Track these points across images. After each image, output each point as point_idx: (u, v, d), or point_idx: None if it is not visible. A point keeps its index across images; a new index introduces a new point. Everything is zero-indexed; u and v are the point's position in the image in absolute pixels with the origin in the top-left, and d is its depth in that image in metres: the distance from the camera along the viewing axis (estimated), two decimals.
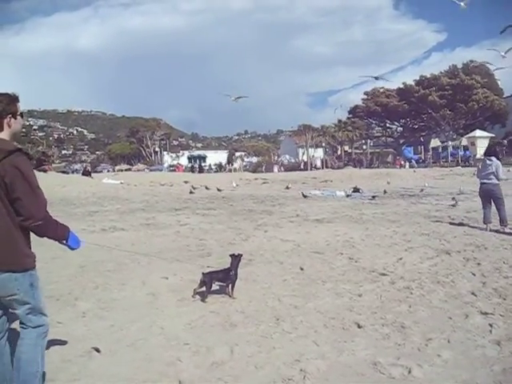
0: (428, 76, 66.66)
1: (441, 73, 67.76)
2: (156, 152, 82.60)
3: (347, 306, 5.91)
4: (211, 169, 66.91)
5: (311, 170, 51.47)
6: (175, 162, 72.14)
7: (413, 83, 67.48)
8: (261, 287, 6.70)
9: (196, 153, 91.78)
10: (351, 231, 11.22)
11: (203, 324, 5.30)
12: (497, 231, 11.01)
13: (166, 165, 70.35)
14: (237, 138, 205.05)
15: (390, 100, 67.91)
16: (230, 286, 6.25)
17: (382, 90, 70.70)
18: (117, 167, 63.68)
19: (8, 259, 3.33)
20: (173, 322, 5.36)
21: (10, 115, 3.45)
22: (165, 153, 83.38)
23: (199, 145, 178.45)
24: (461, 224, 12.35)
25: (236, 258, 6.35)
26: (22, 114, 3.59)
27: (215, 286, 6.30)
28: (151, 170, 57.92)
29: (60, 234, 3.58)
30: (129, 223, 12.44)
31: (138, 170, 58.21)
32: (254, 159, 67.98)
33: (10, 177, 3.25)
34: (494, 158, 11.46)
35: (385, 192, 23.36)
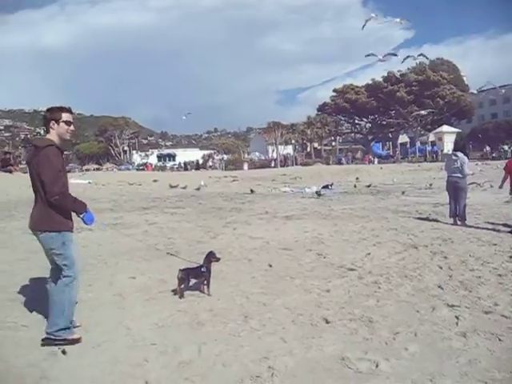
0: (396, 72, 67.39)
1: (408, 69, 68.57)
2: (125, 151, 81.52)
3: (315, 301, 5.91)
4: (181, 167, 66.49)
5: (281, 167, 51.56)
6: (144, 161, 71.43)
7: (381, 80, 68.11)
8: (229, 285, 6.66)
9: (166, 151, 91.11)
10: (320, 227, 11.24)
11: (171, 323, 5.23)
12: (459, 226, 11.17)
13: (135, 164, 69.61)
14: (207, 135, 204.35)
15: (359, 96, 68.42)
16: (206, 282, 6.22)
17: (351, 87, 71.25)
18: (85, 167, 62.57)
19: (45, 223, 4.60)
20: (140, 322, 5.28)
21: (53, 121, 4.63)
22: (134, 152, 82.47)
23: (169, 143, 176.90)
24: (428, 218, 12.50)
25: (209, 255, 6.31)
26: (67, 122, 4.67)
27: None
28: (120, 170, 57.25)
29: (78, 207, 4.73)
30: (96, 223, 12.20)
31: (108, 169, 57.48)
32: (224, 157, 67.74)
33: (41, 163, 4.48)
34: (460, 154, 11.60)
35: (355, 186, 23.67)
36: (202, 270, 6.15)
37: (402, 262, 7.85)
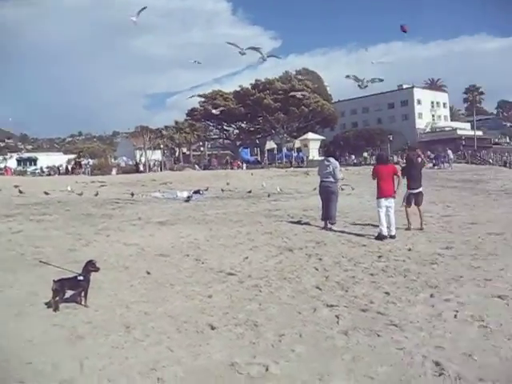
0: (263, 80, 68.99)
1: (275, 78, 70.50)
2: None
3: (198, 308, 5.82)
4: (43, 172, 63.09)
5: (149, 172, 50.70)
6: (2, 165, 66.83)
7: (249, 87, 69.36)
8: (107, 294, 6.35)
9: (26, 155, 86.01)
10: (195, 232, 11.15)
11: (46, 339, 4.85)
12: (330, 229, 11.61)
13: None
14: (70, 139, 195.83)
15: (227, 103, 69.13)
16: (83, 293, 5.87)
17: (219, 93, 71.79)
18: None
19: None
20: (10, 339, 4.85)
21: None
22: None
23: (29, 147, 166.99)
24: (300, 222, 12.87)
25: (88, 264, 5.98)
26: None
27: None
28: None
29: None
30: None
31: None
32: (90, 161, 65.23)
33: None
34: (332, 159, 12.08)
35: (222, 191, 23.91)
36: (79, 279, 5.80)
37: (280, 265, 8.00)
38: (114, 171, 47.15)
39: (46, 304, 5.83)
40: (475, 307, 5.66)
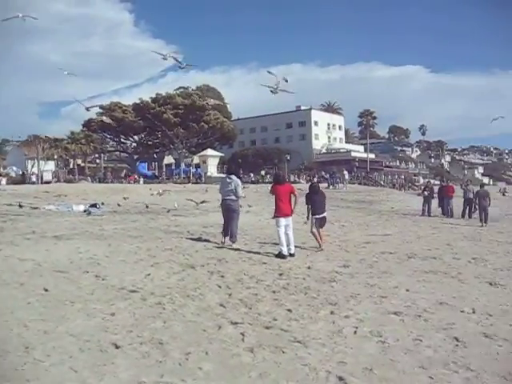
0: (163, 94, 68.58)
1: (175, 92, 70.38)
2: None
3: (101, 326, 5.67)
4: None
5: (41, 183, 48.57)
6: None
7: (149, 100, 68.65)
8: (2, 313, 6.01)
9: None
10: (94, 248, 10.82)
11: None
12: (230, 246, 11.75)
13: None
14: None
15: (126, 115, 67.93)
16: None
17: (118, 105, 70.43)
18: None
19: None
20: None
21: None
22: None
23: None
24: (200, 239, 12.89)
25: None
26: None
27: None
28: None
29: None
30: None
31: None
32: None
33: None
34: (233, 177, 12.23)
35: (119, 205, 23.44)
36: None
37: (183, 282, 7.99)
38: (3, 181, 44.77)
39: None
40: (373, 323, 5.98)
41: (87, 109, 32.15)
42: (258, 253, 10.94)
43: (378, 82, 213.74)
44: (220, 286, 7.80)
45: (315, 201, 12.12)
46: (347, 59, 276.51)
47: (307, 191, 12.63)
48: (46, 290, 7.15)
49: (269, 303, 6.92)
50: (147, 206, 23.29)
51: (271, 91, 31.18)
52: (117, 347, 5.00)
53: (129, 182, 53.78)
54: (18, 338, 5.20)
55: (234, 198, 11.95)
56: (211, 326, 5.80)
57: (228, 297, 7.18)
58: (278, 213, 10.89)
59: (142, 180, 55.80)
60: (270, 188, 11.93)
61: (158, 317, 6.11)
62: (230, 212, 12.02)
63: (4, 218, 16.36)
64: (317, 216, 12.04)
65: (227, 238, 12.01)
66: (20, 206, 20.43)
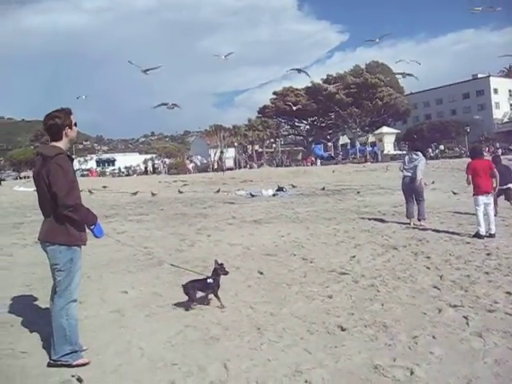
0: (334, 75, 68.54)
1: (345, 72, 69.92)
2: None
3: (322, 308, 5.83)
4: (122, 172, 65.15)
5: (225, 170, 51.27)
6: (83, 167, 69.38)
7: (320, 82, 69.02)
8: (228, 295, 6.45)
9: (104, 156, 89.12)
10: (294, 231, 11.22)
11: (184, 340, 4.97)
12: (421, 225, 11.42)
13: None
14: (143, 139, 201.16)
15: (299, 99, 69.07)
16: (217, 295, 6.04)
17: (291, 90, 71.80)
18: (22, 173, 59.53)
19: (56, 235, 4.34)
20: (150, 340, 4.97)
21: (67, 127, 4.42)
22: (73, 157, 79.83)
23: (105, 148, 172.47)
24: (393, 219, 12.69)
25: (218, 268, 6.15)
26: (75, 124, 4.53)
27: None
28: None
29: (90, 219, 4.48)
30: None
31: None
32: (166, 161, 66.68)
33: (52, 174, 4.21)
34: (420, 153, 11.82)
35: (323, 189, 23.68)
36: (209, 282, 5.97)
37: (389, 264, 7.93)
38: (192, 169, 48.10)
39: (175, 305, 6.03)
40: None
41: (145, 71, 32.88)
42: (457, 233, 10.45)
43: None
44: (428, 268, 7.60)
45: (499, 172, 11.29)
46: None
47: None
48: (261, 273, 7.56)
49: (485, 285, 6.58)
50: (323, 188, 23.49)
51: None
52: (343, 329, 5.10)
53: (305, 165, 54.59)
54: (249, 319, 5.56)
55: (417, 175, 11.55)
56: (430, 308, 5.67)
57: (439, 279, 6.96)
58: (477, 190, 10.21)
59: (318, 162, 56.37)
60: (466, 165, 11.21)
61: (374, 299, 6.12)
62: (413, 190, 11.65)
63: (204, 205, 17.60)
64: (502, 187, 11.39)
65: (413, 220, 11.68)
66: (218, 191, 21.83)
